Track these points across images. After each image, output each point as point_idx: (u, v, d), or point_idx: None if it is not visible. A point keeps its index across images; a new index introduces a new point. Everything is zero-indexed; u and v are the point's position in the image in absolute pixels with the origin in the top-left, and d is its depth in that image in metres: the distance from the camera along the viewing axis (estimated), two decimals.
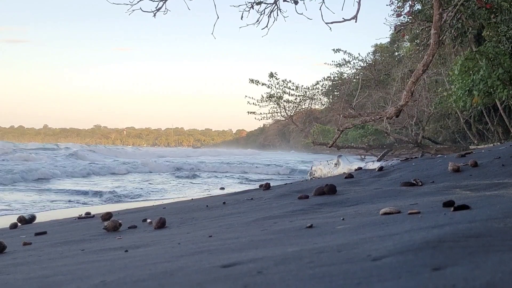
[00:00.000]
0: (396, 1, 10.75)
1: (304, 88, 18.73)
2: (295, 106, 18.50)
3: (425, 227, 1.93)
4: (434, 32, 4.97)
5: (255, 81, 17.45)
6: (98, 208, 7.89)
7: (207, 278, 1.43)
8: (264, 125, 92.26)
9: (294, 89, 18.18)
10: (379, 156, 16.01)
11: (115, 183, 14.42)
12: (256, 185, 9.74)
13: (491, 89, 10.08)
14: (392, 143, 17.64)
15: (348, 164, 12.82)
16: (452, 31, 8.66)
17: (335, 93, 28.87)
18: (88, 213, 5.71)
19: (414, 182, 4.69)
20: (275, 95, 17.42)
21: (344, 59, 23.24)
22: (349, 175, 6.40)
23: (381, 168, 6.85)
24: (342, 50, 22.13)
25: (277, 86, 17.48)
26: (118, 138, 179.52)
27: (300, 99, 18.51)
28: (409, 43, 22.29)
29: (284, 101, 17.82)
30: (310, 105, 20.05)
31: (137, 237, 3.28)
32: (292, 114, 18.71)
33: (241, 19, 5.81)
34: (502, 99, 10.30)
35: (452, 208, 2.48)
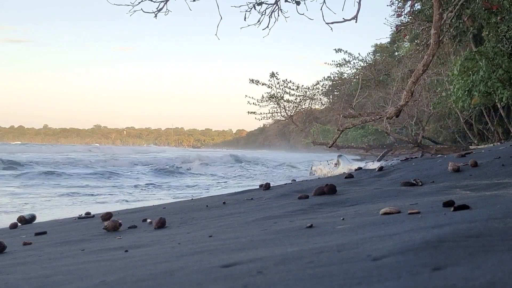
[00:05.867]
0: (397, 1, 10.76)
1: (304, 88, 18.73)
2: (295, 106, 18.49)
3: (425, 227, 1.93)
4: (434, 32, 4.97)
5: (255, 81, 17.45)
6: None
7: (207, 278, 1.43)
8: (264, 125, 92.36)
9: (295, 89, 18.19)
10: (379, 156, 16.01)
11: None
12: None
13: (491, 90, 10.08)
14: (392, 143, 17.63)
15: (348, 164, 12.83)
16: (451, 30, 8.66)
17: (335, 93, 28.92)
18: (88, 213, 5.71)
19: (414, 182, 4.69)
20: (276, 95, 17.42)
21: (344, 59, 23.28)
22: (349, 175, 6.40)
23: (381, 168, 6.85)
24: (343, 50, 22.17)
25: (277, 86, 17.48)
26: (118, 138, 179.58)
27: (300, 99, 18.51)
28: (409, 43, 22.29)
29: (284, 101, 17.81)
30: (310, 105, 20.06)
31: (137, 237, 3.28)
32: (292, 114, 18.70)
33: (245, 20, 5.82)
34: (502, 100, 10.29)
35: (452, 208, 2.48)
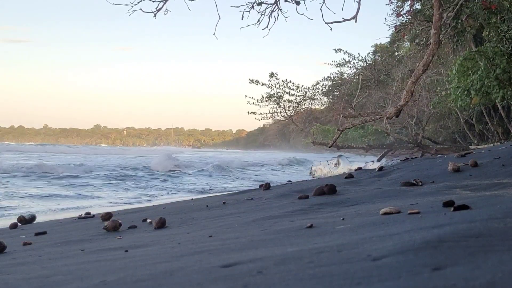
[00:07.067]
0: (396, 0, 10.76)
1: (304, 88, 18.70)
2: (295, 106, 18.45)
3: (425, 227, 1.93)
4: (434, 32, 4.97)
5: (255, 81, 17.43)
6: None
7: (207, 278, 1.43)
8: (264, 125, 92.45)
9: (295, 89, 18.16)
10: (379, 156, 16.00)
11: None
12: None
13: (489, 90, 10.08)
14: (392, 143, 17.63)
15: (348, 164, 12.84)
16: (449, 29, 8.66)
17: (335, 93, 28.87)
18: (88, 213, 5.71)
19: (414, 182, 4.69)
20: (275, 95, 17.39)
21: (344, 59, 23.26)
22: (349, 175, 6.40)
23: (381, 168, 6.85)
24: (343, 50, 22.17)
25: (277, 86, 17.45)
26: (118, 138, 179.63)
27: (300, 99, 18.48)
28: (409, 43, 22.27)
29: (284, 101, 17.78)
30: (310, 105, 20.01)
31: (137, 237, 3.28)
32: (292, 114, 18.65)
33: (242, 19, 5.81)
34: (498, 99, 10.29)
35: (452, 208, 2.48)
